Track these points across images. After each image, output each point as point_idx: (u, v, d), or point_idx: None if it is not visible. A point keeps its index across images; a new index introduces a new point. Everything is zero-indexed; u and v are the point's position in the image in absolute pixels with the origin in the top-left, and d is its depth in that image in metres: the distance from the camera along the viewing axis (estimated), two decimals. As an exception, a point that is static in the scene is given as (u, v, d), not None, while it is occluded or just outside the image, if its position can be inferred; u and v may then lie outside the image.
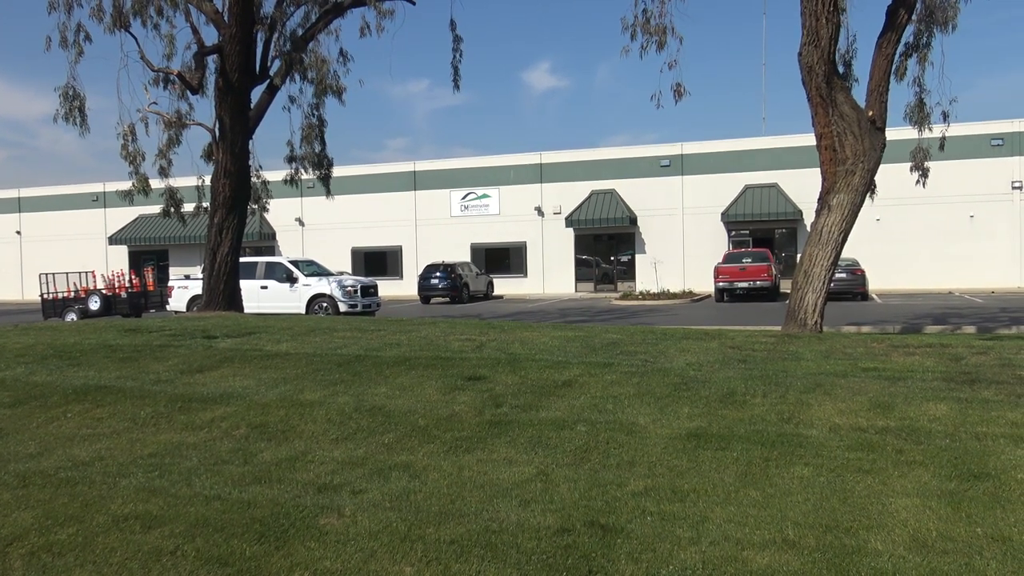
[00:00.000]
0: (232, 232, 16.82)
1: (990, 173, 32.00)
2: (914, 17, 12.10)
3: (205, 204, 19.36)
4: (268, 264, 22.81)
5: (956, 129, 14.74)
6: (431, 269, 33.33)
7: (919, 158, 14.24)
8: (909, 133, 14.62)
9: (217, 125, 17.12)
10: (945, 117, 13.45)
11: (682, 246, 35.90)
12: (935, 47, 12.97)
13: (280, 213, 40.42)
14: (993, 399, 5.70)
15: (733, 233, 35.40)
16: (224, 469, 5.04)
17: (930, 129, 13.83)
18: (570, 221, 36.37)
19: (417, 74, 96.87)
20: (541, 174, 38.27)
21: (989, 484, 4.25)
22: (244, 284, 18.66)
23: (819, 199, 10.87)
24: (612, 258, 37.76)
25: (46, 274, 24.95)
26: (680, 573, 3.45)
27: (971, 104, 78.83)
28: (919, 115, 13.56)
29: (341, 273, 26.95)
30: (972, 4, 15.26)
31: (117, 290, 24.60)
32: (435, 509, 4.24)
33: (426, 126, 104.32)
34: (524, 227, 38.42)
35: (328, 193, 21.06)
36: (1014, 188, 32.01)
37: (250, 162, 17.64)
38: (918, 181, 14.30)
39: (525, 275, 38.53)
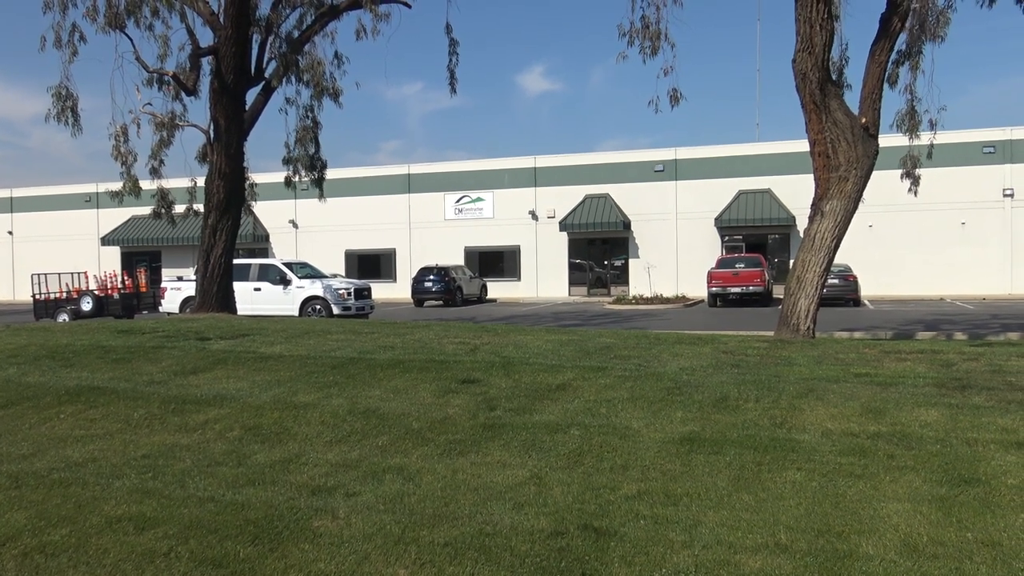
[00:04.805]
0: (226, 234, 16.79)
1: (982, 180, 32.18)
2: (907, 25, 12.19)
3: (196, 206, 19.33)
4: (262, 266, 22.79)
5: (948, 137, 14.95)
6: (425, 272, 33.30)
7: (909, 165, 14.36)
8: (903, 140, 14.74)
9: (212, 127, 17.09)
10: (932, 125, 13.56)
11: (675, 251, 35.98)
12: (926, 55, 13.07)
13: (274, 215, 40.36)
14: (984, 405, 5.74)
15: (726, 238, 35.49)
16: (218, 471, 5.04)
17: (918, 136, 13.93)
18: (564, 225, 36.41)
19: (411, 76, 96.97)
20: (535, 178, 38.31)
21: (980, 489, 4.28)
22: (237, 286, 18.61)
23: (812, 205, 10.93)
24: (606, 262, 37.82)
25: (38, 274, 24.81)
26: (673, 576, 3.47)
27: (965, 110, 79.34)
28: (910, 122, 13.66)
29: (335, 275, 26.92)
30: (964, 13, 15.49)
31: (109, 291, 24.47)
32: (429, 512, 4.25)
33: (420, 129, 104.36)
34: (518, 231, 38.44)
35: (321, 195, 21.04)
36: (1005, 195, 32.20)
37: (244, 164, 17.63)
38: (910, 189, 14.42)
39: (519, 279, 38.53)
